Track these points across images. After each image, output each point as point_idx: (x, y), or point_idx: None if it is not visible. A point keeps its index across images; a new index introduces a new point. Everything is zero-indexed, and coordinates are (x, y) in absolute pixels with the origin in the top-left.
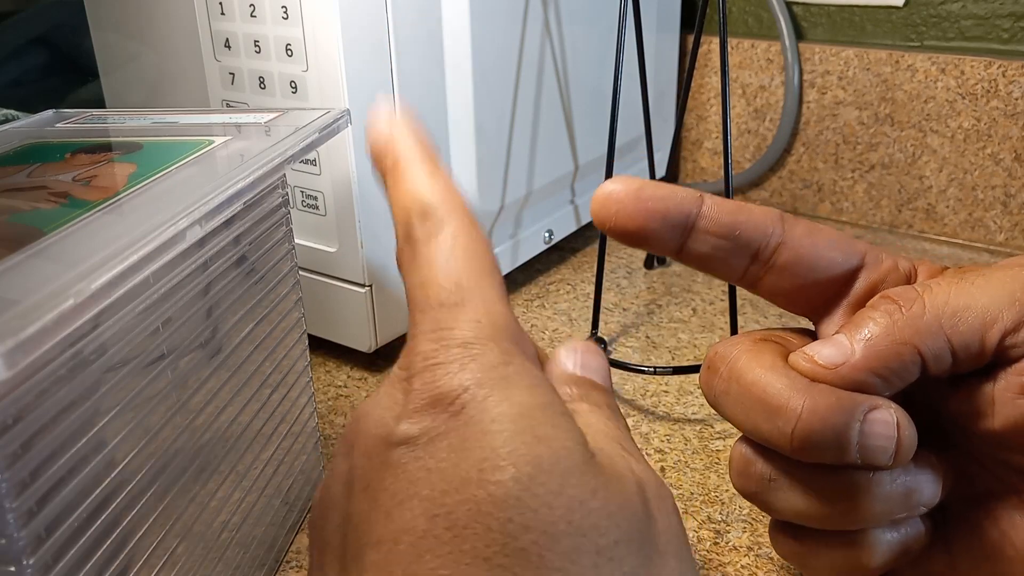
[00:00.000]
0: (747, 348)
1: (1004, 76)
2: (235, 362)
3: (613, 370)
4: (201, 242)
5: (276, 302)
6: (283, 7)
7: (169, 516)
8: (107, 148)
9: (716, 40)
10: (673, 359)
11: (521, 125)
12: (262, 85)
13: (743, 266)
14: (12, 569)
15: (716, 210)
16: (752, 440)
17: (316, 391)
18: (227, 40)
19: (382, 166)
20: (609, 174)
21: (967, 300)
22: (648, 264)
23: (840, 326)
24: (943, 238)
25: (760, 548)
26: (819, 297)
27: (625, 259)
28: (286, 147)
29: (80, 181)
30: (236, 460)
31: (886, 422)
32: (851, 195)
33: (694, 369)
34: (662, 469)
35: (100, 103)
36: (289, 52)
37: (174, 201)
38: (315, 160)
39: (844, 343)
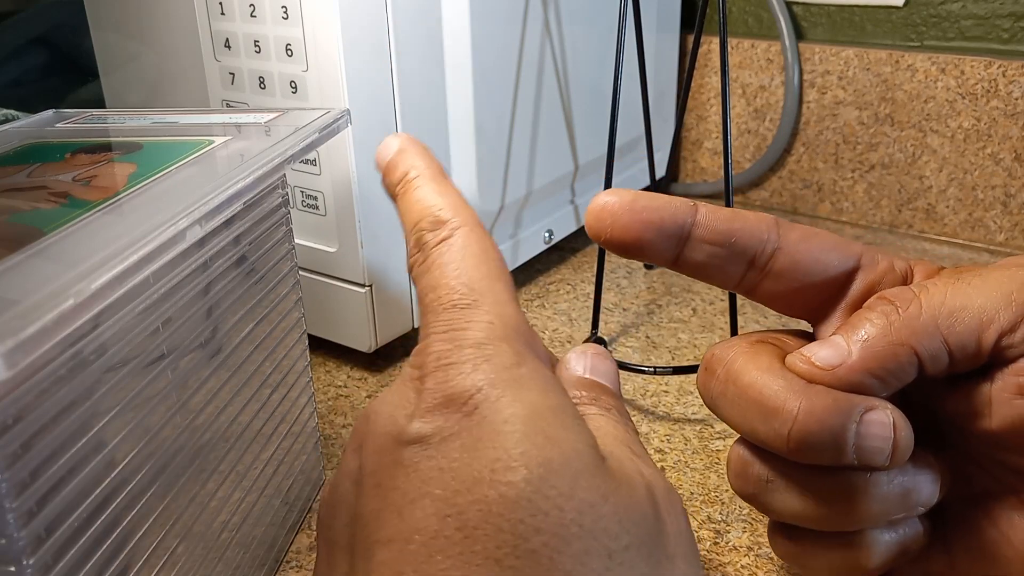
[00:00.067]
0: (744, 350)
1: (1004, 76)
2: (235, 362)
3: None
4: (201, 242)
5: (276, 302)
6: (283, 7)
7: (169, 516)
8: (107, 148)
9: (716, 40)
10: (673, 359)
11: (521, 125)
12: (262, 85)
13: (740, 273)
14: (12, 569)
15: (711, 218)
16: (749, 442)
17: (316, 391)
18: (227, 40)
19: (391, 180)
20: (609, 174)
21: (963, 300)
22: (648, 264)
23: (837, 328)
24: (943, 238)
25: (760, 548)
26: (816, 300)
27: (625, 259)
28: (286, 147)
29: (80, 181)
30: (236, 460)
31: (882, 423)
32: (851, 195)
33: (694, 369)
34: (662, 469)
35: (100, 103)
36: (289, 52)
37: (174, 201)
38: (315, 160)
39: (841, 344)
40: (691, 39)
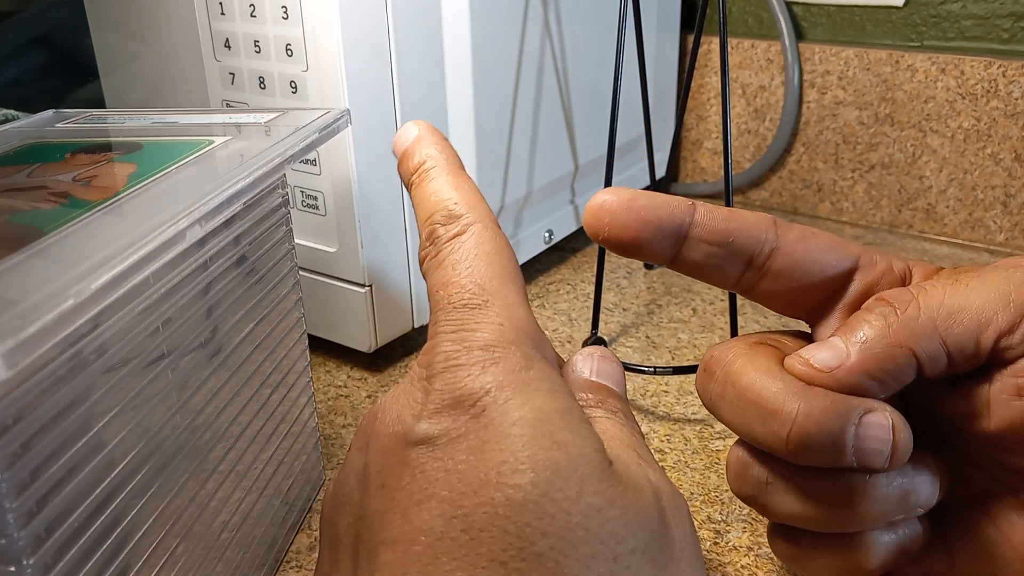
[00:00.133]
0: (742, 352)
1: (1004, 76)
2: (235, 362)
3: None
4: (201, 242)
5: (276, 302)
6: (283, 7)
7: (169, 516)
8: (107, 148)
9: (716, 40)
10: (673, 359)
11: (521, 125)
12: (262, 85)
13: (738, 273)
14: (12, 569)
15: (709, 218)
16: (748, 444)
17: (316, 391)
18: (227, 40)
19: (406, 169)
20: (609, 174)
21: (962, 302)
22: (648, 264)
23: (836, 329)
24: (943, 238)
25: (760, 548)
26: (814, 300)
27: (625, 259)
28: (286, 147)
29: (80, 181)
30: (236, 460)
31: (881, 425)
32: (851, 195)
33: (694, 369)
34: (663, 469)
35: (100, 103)
36: (289, 52)
37: (174, 201)
38: (315, 160)
39: (839, 346)
40: (691, 39)
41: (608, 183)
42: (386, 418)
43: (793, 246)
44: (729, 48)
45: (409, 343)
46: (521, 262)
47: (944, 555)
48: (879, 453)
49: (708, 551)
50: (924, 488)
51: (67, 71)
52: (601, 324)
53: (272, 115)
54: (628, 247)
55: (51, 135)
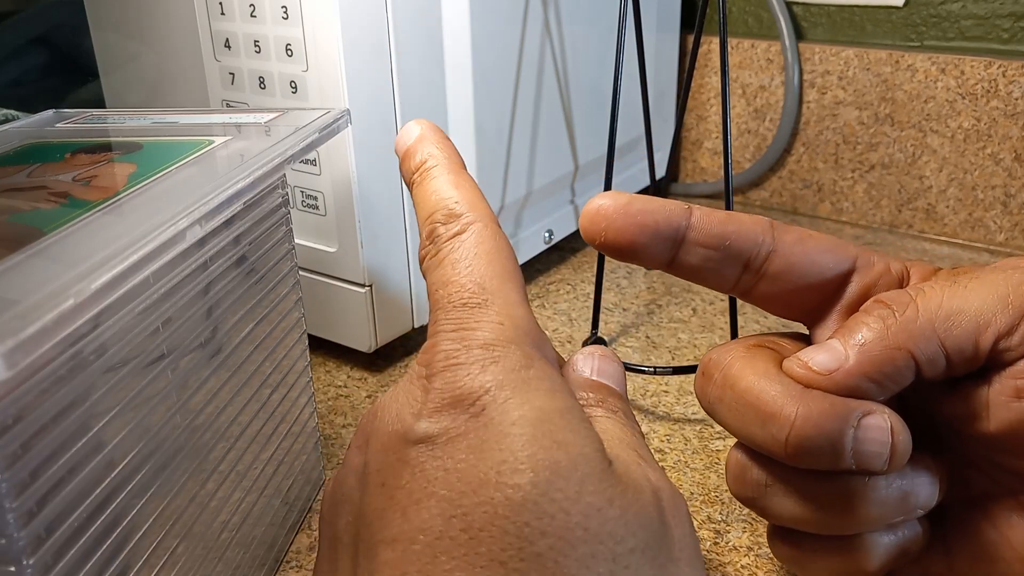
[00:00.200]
0: (741, 355)
1: (1004, 76)
2: (235, 362)
3: None
4: (201, 242)
5: (276, 302)
6: (283, 7)
7: (169, 516)
8: (107, 148)
9: (716, 40)
10: (673, 359)
11: (521, 125)
12: (262, 85)
13: (735, 276)
14: (12, 569)
15: (706, 221)
16: (747, 446)
17: (316, 391)
18: (227, 40)
19: (408, 168)
20: (609, 174)
21: (960, 303)
22: None
23: (834, 331)
24: (943, 238)
25: (760, 548)
26: (812, 302)
27: None
28: (286, 147)
29: (80, 181)
30: (236, 460)
31: (880, 427)
32: (851, 195)
33: (694, 369)
34: (663, 469)
35: (100, 103)
36: (289, 52)
37: (174, 201)
38: (315, 160)
39: (838, 348)
40: (691, 39)
41: (608, 183)
42: (386, 416)
43: (790, 248)
44: (729, 48)
45: (409, 343)
46: (521, 262)
47: (944, 556)
48: (878, 455)
49: (708, 551)
50: (923, 490)
51: (67, 71)
52: (601, 324)
53: (272, 115)
54: (625, 251)
55: (51, 135)
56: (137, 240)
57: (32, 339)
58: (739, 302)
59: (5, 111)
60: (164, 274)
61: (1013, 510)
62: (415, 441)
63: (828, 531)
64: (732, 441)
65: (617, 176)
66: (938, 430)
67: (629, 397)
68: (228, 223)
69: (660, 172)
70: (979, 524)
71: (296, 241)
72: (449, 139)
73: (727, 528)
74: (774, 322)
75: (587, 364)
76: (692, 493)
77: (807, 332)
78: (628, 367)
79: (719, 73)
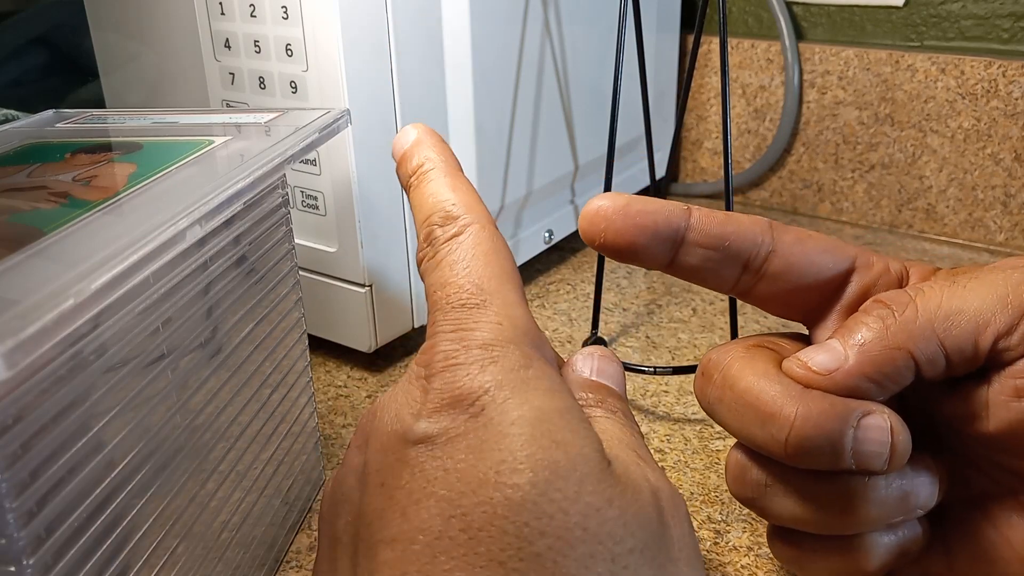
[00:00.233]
0: (740, 355)
1: (1004, 76)
2: (235, 362)
3: None
4: (201, 242)
5: (276, 302)
6: (283, 7)
7: (169, 516)
8: (107, 148)
9: (716, 40)
10: (673, 359)
11: (521, 125)
12: (262, 85)
13: (734, 276)
14: (12, 569)
15: (705, 222)
16: (747, 447)
17: (316, 391)
18: (227, 40)
19: (405, 171)
20: (609, 174)
21: (959, 303)
22: None
23: (833, 331)
24: (943, 238)
25: (760, 548)
26: (812, 303)
27: None
28: (286, 147)
29: (80, 181)
30: (236, 460)
31: (880, 427)
32: (851, 195)
33: (694, 369)
34: (662, 469)
35: (100, 103)
36: (289, 52)
37: (174, 201)
38: (315, 160)
39: (837, 348)
40: (691, 39)
41: (608, 183)
42: (385, 417)
43: (789, 249)
44: (729, 48)
45: (409, 343)
46: (521, 262)
47: (944, 556)
48: (878, 455)
49: (708, 551)
50: (923, 490)
51: (67, 71)
52: (601, 324)
53: (272, 115)
54: (624, 252)
55: (51, 135)
56: (137, 240)
57: (32, 339)
58: (739, 302)
59: (5, 111)
60: (164, 274)
61: (1013, 510)
62: (414, 441)
63: (828, 531)
64: (732, 441)
65: (617, 176)
66: (938, 430)
67: (629, 397)
68: (228, 223)
69: (660, 172)
70: (979, 524)
71: (296, 241)
72: (445, 142)
73: (727, 528)
74: (774, 322)
75: (586, 364)
76: (692, 493)
77: (807, 332)
78: (628, 367)
79: (719, 73)
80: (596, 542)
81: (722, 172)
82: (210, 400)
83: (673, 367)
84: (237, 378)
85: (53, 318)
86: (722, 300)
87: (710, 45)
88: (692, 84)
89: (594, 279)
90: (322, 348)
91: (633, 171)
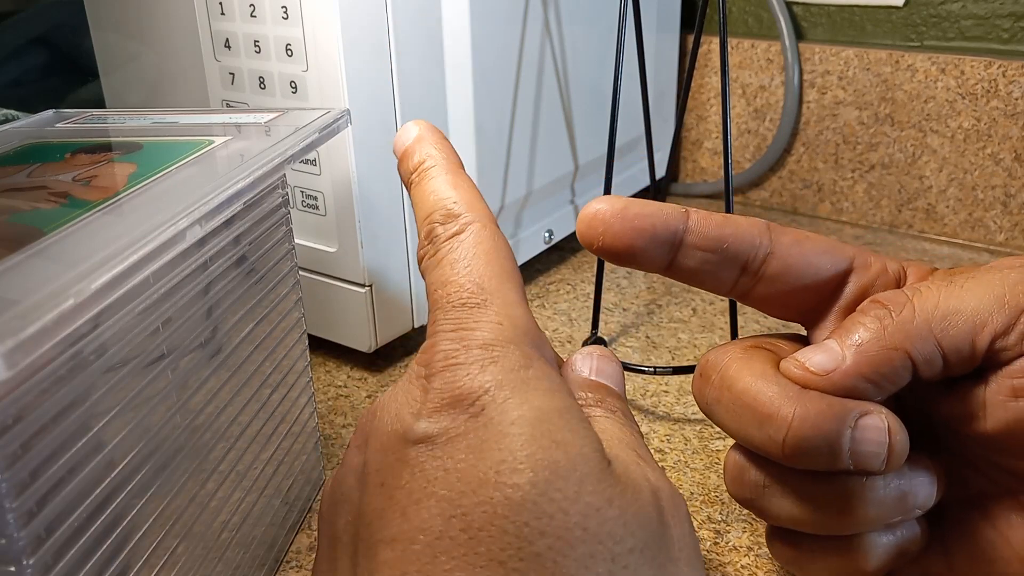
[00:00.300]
0: (738, 356)
1: (1004, 76)
2: (235, 362)
3: None
4: (201, 242)
5: (276, 302)
6: (283, 7)
7: (169, 516)
8: (107, 148)
9: (716, 40)
10: (673, 359)
11: (521, 125)
12: (262, 85)
13: (732, 278)
14: (12, 569)
15: (703, 224)
16: (745, 447)
17: (316, 391)
18: (227, 40)
19: (406, 168)
20: (609, 174)
21: (956, 304)
22: None
23: (831, 331)
24: (943, 238)
25: (760, 548)
26: (810, 304)
27: None
28: (286, 147)
29: (80, 181)
30: (236, 460)
31: (877, 428)
32: (851, 195)
33: (694, 369)
34: (662, 469)
35: (100, 103)
36: (289, 52)
37: (174, 201)
38: (315, 160)
39: (835, 349)
40: (691, 39)
41: (608, 183)
42: (385, 416)
43: (787, 250)
44: (729, 48)
45: (409, 343)
46: (521, 262)
47: (943, 556)
48: (875, 456)
49: (708, 551)
50: (922, 490)
51: (67, 71)
52: (601, 324)
53: (272, 115)
54: (623, 256)
55: (51, 135)
56: (137, 240)
57: (32, 339)
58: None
59: (5, 111)
60: (164, 274)
61: (1012, 510)
62: (415, 441)
63: (826, 531)
64: (732, 441)
65: (617, 176)
66: (936, 430)
67: (629, 397)
68: (228, 223)
69: (660, 172)
70: (978, 524)
71: (296, 241)
72: (447, 140)
73: (727, 528)
74: (773, 322)
75: (586, 364)
76: (692, 493)
77: (805, 333)
78: (628, 367)
79: (719, 73)
80: (596, 542)
81: (722, 172)
82: (210, 400)
83: (673, 367)
84: (237, 378)
85: (53, 318)
86: (722, 300)
87: (710, 45)
88: (692, 84)
89: (594, 279)
90: (322, 348)
91: (633, 171)
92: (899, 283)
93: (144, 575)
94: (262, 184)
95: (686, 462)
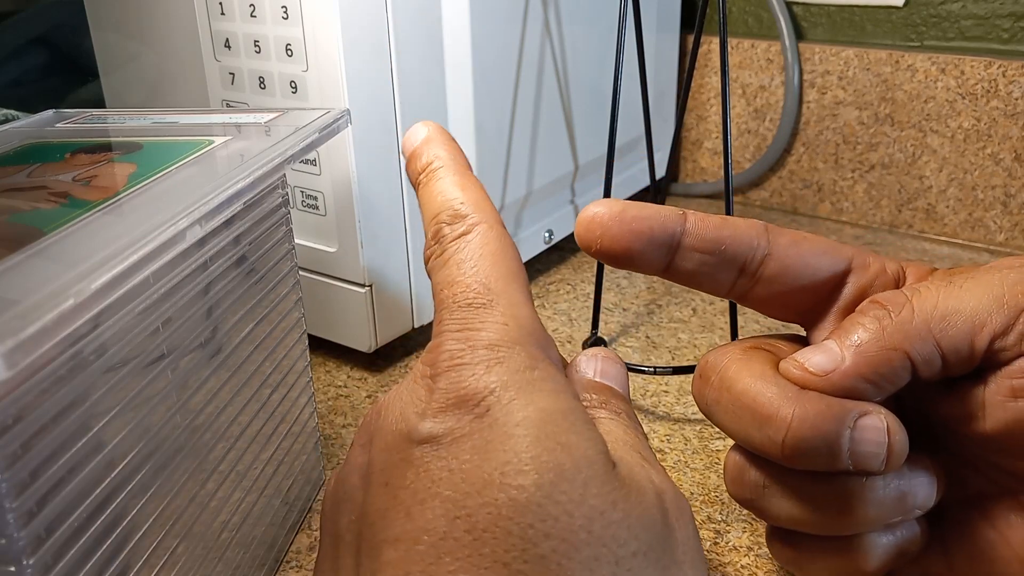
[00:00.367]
0: (737, 357)
1: (1004, 76)
2: (235, 362)
3: None
4: (201, 242)
5: (276, 302)
6: (283, 7)
7: (169, 516)
8: (107, 148)
9: (716, 40)
10: (673, 359)
11: (521, 125)
12: (262, 85)
13: (731, 280)
14: (12, 569)
15: (700, 226)
16: (745, 448)
17: (316, 391)
18: (227, 40)
19: (414, 169)
20: (609, 174)
21: (955, 304)
22: None
23: (830, 332)
24: (943, 238)
25: (760, 548)
26: (809, 304)
27: None
28: (286, 147)
29: (80, 181)
30: (236, 460)
31: (877, 428)
32: (851, 195)
33: (694, 369)
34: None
35: (100, 103)
36: (289, 52)
37: (174, 201)
38: (315, 160)
39: (834, 349)
40: (691, 39)
41: (608, 183)
42: (390, 416)
43: (785, 251)
44: (729, 48)
45: (409, 343)
46: None
47: (942, 556)
48: (875, 456)
49: (708, 551)
50: (921, 490)
51: (67, 71)
52: (601, 324)
53: (272, 115)
54: (621, 258)
55: (51, 135)
56: (137, 240)
57: (32, 339)
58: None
59: (5, 111)
60: (164, 274)
61: (1011, 510)
62: (419, 441)
63: (826, 532)
64: (732, 441)
65: (617, 176)
66: (935, 430)
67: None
68: (228, 223)
69: (660, 172)
70: (977, 524)
71: (296, 241)
72: (455, 141)
73: (727, 528)
74: (773, 323)
75: (590, 365)
76: (692, 493)
77: (804, 333)
78: (628, 367)
79: (719, 73)
80: (600, 545)
81: (722, 172)
82: (210, 400)
83: (673, 367)
84: (237, 378)
85: (53, 318)
86: (722, 300)
87: (710, 45)
88: (692, 84)
89: (594, 279)
90: (322, 348)
91: (633, 171)
92: (898, 283)
93: (144, 575)
94: (262, 184)
95: (686, 462)
